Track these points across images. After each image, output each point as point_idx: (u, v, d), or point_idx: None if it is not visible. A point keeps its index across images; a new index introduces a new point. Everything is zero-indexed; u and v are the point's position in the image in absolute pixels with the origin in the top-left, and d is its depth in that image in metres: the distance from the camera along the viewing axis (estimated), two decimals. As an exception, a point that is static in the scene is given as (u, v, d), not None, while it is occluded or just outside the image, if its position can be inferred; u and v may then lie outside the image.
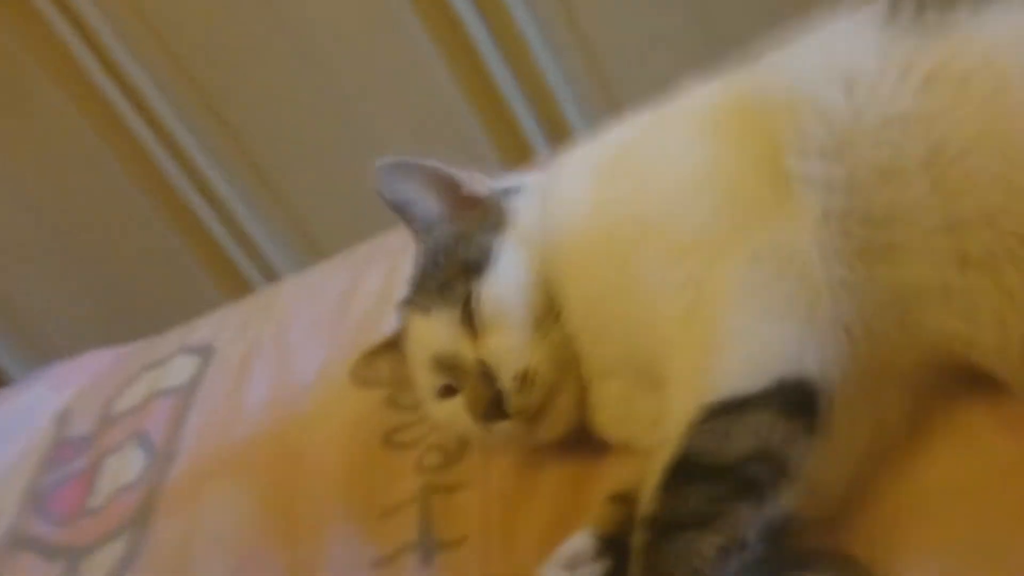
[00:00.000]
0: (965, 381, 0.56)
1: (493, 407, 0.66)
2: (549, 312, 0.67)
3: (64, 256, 1.90)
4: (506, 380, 0.66)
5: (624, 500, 0.63)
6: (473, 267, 0.69)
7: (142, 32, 1.65)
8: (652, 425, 0.65)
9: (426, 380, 0.72)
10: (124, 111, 1.69)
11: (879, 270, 0.54)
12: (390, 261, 1.06)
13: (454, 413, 0.70)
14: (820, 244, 0.55)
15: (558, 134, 1.63)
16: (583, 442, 0.73)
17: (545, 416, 0.67)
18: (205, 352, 1.09)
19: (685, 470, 0.52)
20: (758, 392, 0.52)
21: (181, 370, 1.08)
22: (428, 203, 0.75)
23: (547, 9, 1.62)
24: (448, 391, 0.71)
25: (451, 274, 0.70)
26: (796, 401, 0.52)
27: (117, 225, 1.87)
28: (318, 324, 1.03)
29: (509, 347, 0.66)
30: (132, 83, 1.67)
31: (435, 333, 0.70)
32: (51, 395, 1.15)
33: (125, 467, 0.98)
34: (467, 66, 1.67)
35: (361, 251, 1.16)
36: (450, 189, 0.76)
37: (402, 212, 0.74)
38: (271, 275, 1.87)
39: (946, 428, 0.56)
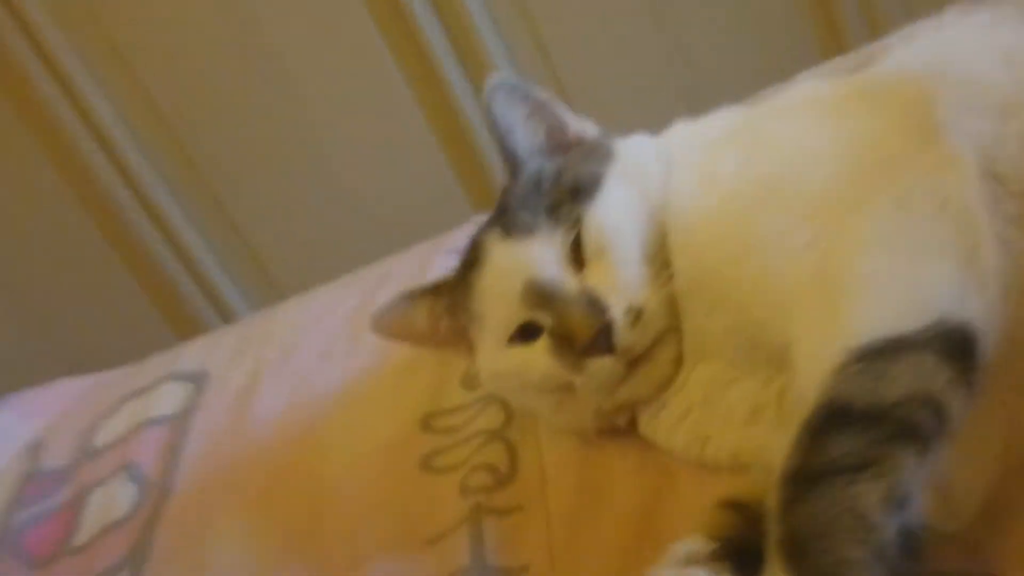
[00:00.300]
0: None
1: (599, 339, 0.60)
2: (662, 265, 0.63)
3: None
4: (618, 312, 0.61)
5: (736, 507, 0.58)
6: (585, 192, 0.65)
7: (102, 56, 1.57)
8: (740, 422, 0.62)
9: (505, 316, 0.66)
10: (83, 143, 1.61)
11: None
12: (404, 284, 0.99)
13: (530, 358, 0.65)
14: (978, 195, 0.52)
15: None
16: (649, 464, 0.69)
17: (647, 362, 0.63)
18: (198, 378, 1.01)
19: (835, 416, 0.47)
20: (918, 331, 0.47)
21: (171, 398, 0.99)
22: (533, 133, 0.72)
23: (528, 62, 1.63)
24: (526, 334, 0.65)
25: (559, 198, 0.66)
26: (957, 345, 0.48)
27: (63, 259, 1.76)
28: (329, 348, 0.96)
29: (624, 279, 0.62)
30: (88, 108, 1.59)
31: (535, 257, 0.64)
32: (19, 424, 1.04)
33: (114, 501, 0.89)
34: (441, 110, 1.65)
35: (365, 275, 1.09)
36: (558, 126, 0.73)
37: (503, 135, 0.71)
38: (228, 315, 1.79)
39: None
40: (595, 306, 0.61)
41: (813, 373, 0.50)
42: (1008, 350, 0.51)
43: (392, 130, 1.68)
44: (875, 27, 1.65)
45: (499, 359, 0.68)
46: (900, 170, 0.54)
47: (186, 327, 1.73)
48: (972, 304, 0.49)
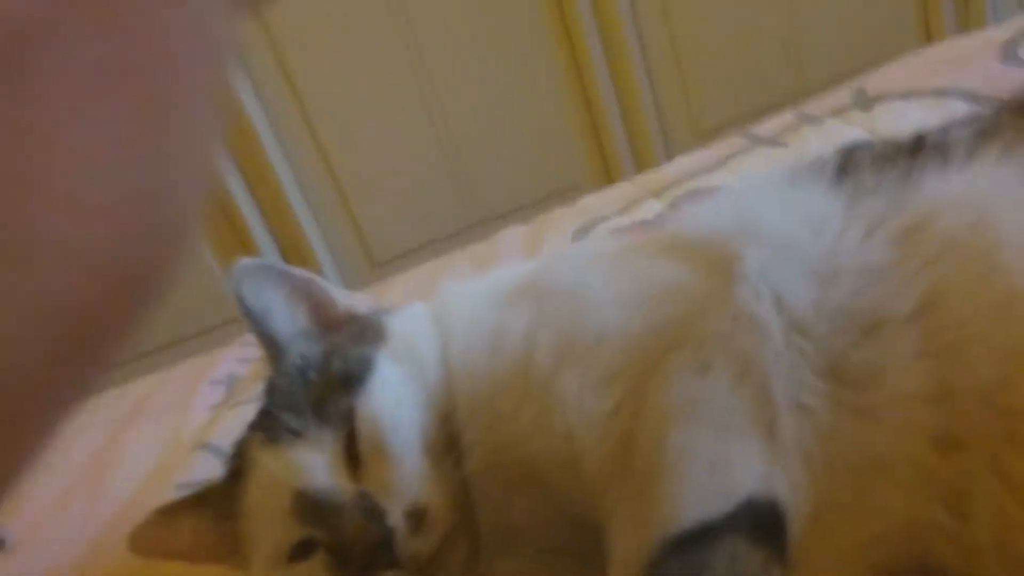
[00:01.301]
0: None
1: (379, 552, 0.52)
2: (447, 448, 0.56)
3: None
4: (397, 517, 0.53)
5: None
6: (354, 380, 0.57)
7: None
8: None
9: (276, 535, 0.56)
10: None
11: (840, 425, 0.48)
12: (162, 417, 0.87)
13: None
14: (780, 363, 0.49)
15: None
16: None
17: (437, 568, 0.54)
18: None
19: None
20: (727, 515, 0.45)
21: None
22: (294, 314, 0.63)
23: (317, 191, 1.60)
24: (304, 550, 0.56)
25: (326, 391, 0.57)
26: (768, 524, 0.45)
27: None
28: (67, 494, 0.82)
29: (401, 477, 0.54)
30: None
31: (303, 464, 0.55)
32: None
33: None
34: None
35: (113, 403, 0.95)
36: (323, 304, 0.64)
37: (258, 322, 0.62)
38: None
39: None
40: (371, 514, 0.53)
41: (629, 565, 0.46)
42: (814, 528, 0.48)
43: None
44: (641, 160, 1.76)
45: None
46: (700, 331, 0.51)
47: None
48: (777, 481, 0.47)
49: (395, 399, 0.57)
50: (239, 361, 0.90)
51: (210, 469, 0.81)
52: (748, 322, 0.50)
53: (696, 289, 0.53)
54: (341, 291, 0.67)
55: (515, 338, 0.56)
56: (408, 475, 0.54)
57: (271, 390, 0.60)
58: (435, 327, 0.62)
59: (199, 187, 0.24)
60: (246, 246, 1.61)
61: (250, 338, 0.97)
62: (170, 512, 0.63)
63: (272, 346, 0.62)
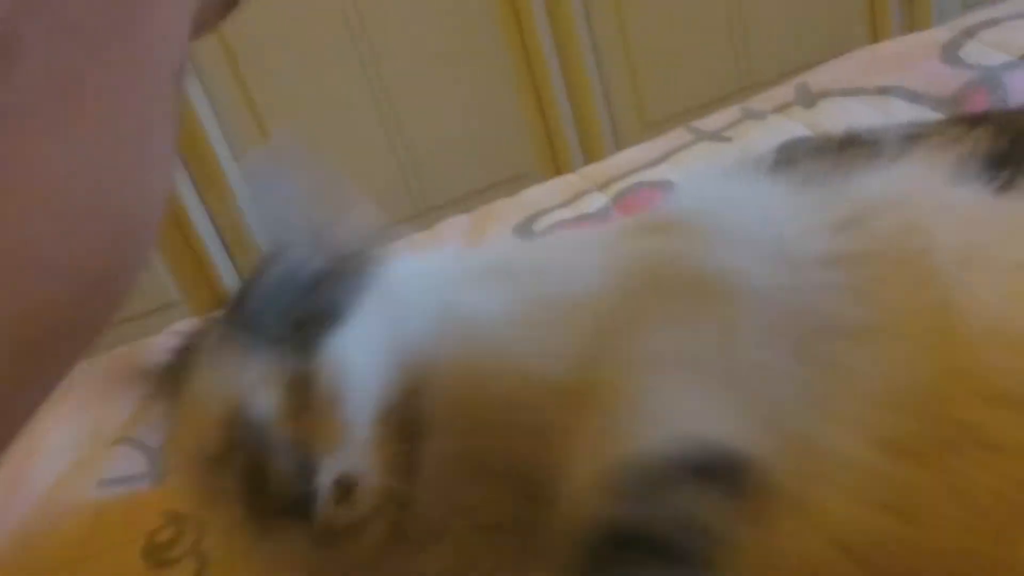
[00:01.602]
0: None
1: (298, 506, 0.49)
2: (403, 423, 0.53)
3: None
4: (326, 481, 0.49)
5: None
6: (329, 319, 0.53)
7: None
8: None
9: (197, 439, 0.52)
10: None
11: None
12: (78, 404, 0.85)
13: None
14: (743, 319, 0.49)
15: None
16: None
17: (348, 541, 0.51)
18: None
19: (609, 544, 0.44)
20: (687, 451, 0.45)
21: None
22: (307, 215, 0.58)
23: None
24: (217, 464, 0.52)
25: (302, 317, 0.53)
26: (726, 467, 0.45)
27: None
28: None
29: (347, 439, 0.51)
30: None
31: (250, 383, 0.51)
32: None
33: None
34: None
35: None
36: (338, 213, 0.59)
37: (268, 208, 0.58)
38: None
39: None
40: (303, 468, 0.49)
41: (582, 498, 0.46)
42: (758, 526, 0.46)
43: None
44: (590, 151, 1.76)
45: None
46: (665, 286, 0.52)
47: None
48: (734, 426, 0.47)
49: (364, 353, 0.53)
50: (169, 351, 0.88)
51: (133, 464, 0.78)
52: (714, 278, 0.51)
53: (660, 251, 0.54)
54: (361, 206, 0.61)
55: (492, 317, 0.55)
56: (354, 437, 0.51)
57: (255, 284, 0.56)
58: (431, 285, 0.58)
59: (159, 198, 0.25)
60: (182, 228, 1.57)
61: (181, 326, 0.94)
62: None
63: (274, 235, 0.58)
